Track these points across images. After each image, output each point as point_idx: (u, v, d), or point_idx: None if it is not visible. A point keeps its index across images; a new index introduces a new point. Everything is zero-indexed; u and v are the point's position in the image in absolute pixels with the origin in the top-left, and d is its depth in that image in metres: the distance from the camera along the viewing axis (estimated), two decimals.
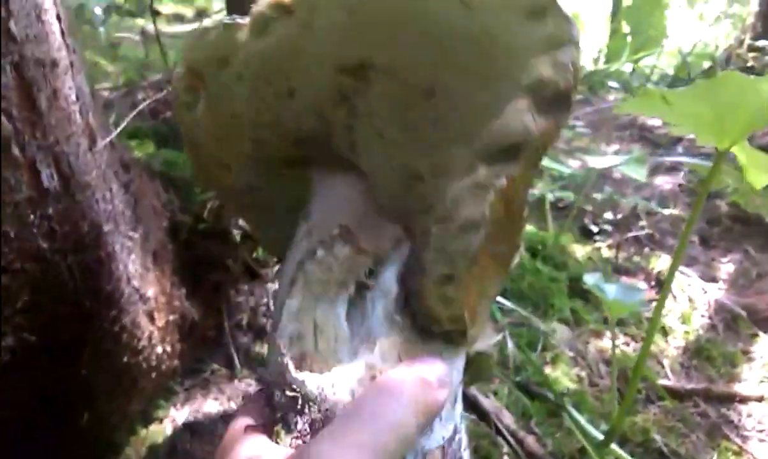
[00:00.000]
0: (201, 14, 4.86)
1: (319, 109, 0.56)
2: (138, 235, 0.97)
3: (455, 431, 0.55)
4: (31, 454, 0.81)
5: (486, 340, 0.63)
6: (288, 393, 0.51)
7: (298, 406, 0.51)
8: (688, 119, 0.85)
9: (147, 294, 0.97)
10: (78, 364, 0.80)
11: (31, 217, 0.68)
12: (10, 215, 0.66)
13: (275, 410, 0.52)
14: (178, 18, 4.73)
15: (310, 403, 0.51)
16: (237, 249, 1.10)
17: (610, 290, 1.01)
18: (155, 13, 2.46)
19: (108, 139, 0.85)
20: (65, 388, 0.80)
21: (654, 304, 1.45)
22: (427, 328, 0.56)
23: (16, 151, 0.66)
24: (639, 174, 1.55)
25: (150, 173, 1.07)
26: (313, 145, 0.60)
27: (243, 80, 0.59)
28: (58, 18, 0.74)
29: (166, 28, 4.21)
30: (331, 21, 0.52)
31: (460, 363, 0.57)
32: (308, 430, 0.50)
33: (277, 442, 0.50)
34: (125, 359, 0.90)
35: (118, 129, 0.88)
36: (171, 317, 1.02)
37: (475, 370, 0.66)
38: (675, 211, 1.95)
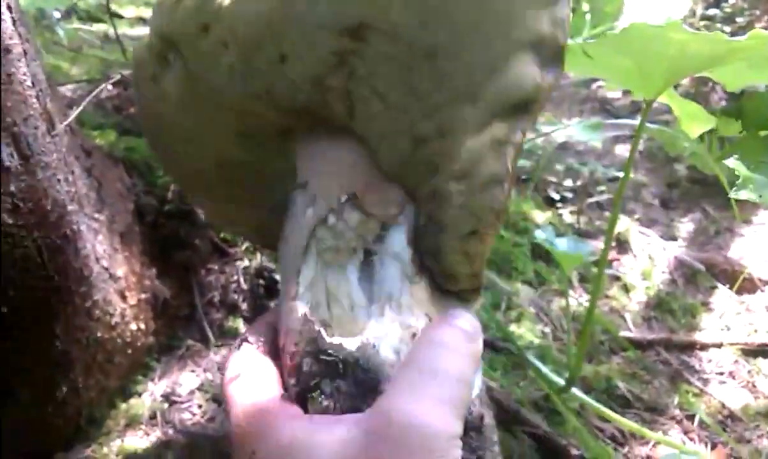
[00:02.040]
0: None
1: (315, 75, 0.56)
2: (104, 217, 0.99)
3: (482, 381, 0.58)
4: (14, 428, 0.83)
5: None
6: (323, 358, 0.52)
7: (339, 370, 0.51)
8: (611, 71, 0.89)
9: (117, 273, 0.99)
10: (52, 338, 0.82)
11: None
12: None
13: (309, 377, 0.52)
14: (141, 21, 4.72)
15: (353, 366, 0.51)
16: (204, 228, 1.12)
17: (561, 243, 1.05)
18: (114, 16, 2.46)
19: (66, 122, 0.88)
20: (42, 360, 0.83)
21: (615, 264, 1.51)
22: (442, 287, 0.57)
23: None
24: (595, 139, 1.60)
25: (113, 159, 1.09)
26: (306, 113, 0.59)
27: (228, 47, 0.58)
28: (9, 8, 0.76)
29: (129, 30, 4.20)
30: None
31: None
32: (355, 391, 0.50)
33: (310, 410, 0.50)
34: (99, 334, 0.93)
35: (75, 111, 0.90)
36: (142, 296, 1.04)
37: None
38: (637, 177, 2.01)
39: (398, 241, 0.57)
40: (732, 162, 0.71)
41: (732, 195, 0.67)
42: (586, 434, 0.99)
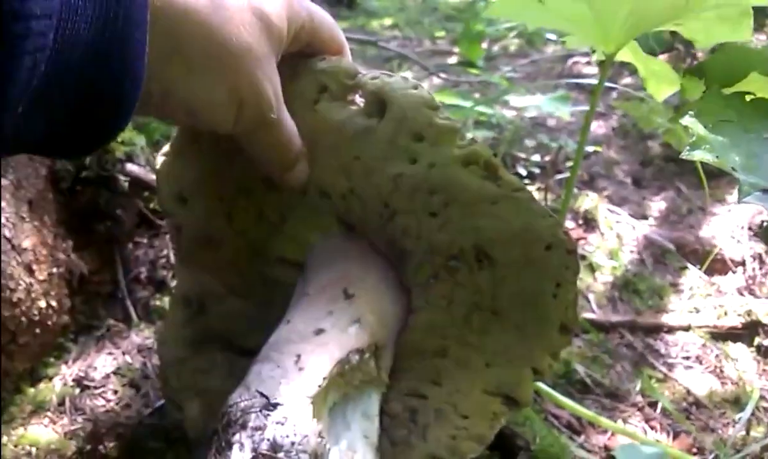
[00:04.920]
0: None
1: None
2: (8, 181, 0.90)
3: None
4: None
5: None
6: None
7: None
8: (567, 21, 0.80)
9: (22, 245, 0.90)
10: None
11: None
12: None
13: None
14: None
15: None
16: (128, 197, 1.03)
17: None
18: None
19: None
20: None
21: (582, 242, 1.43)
22: None
23: None
24: (562, 112, 1.52)
25: None
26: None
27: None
28: None
29: None
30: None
31: None
32: None
33: None
34: None
35: None
36: (55, 270, 0.95)
37: None
38: (609, 154, 1.94)
39: (375, 403, 0.68)
40: (687, 120, 0.62)
41: (684, 155, 0.59)
42: (538, 423, 0.91)
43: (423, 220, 0.70)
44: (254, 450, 0.53)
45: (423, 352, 0.75)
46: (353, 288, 0.69)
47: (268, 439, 0.54)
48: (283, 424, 0.55)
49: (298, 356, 0.61)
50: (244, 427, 0.55)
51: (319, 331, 0.64)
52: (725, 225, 1.57)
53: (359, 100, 0.67)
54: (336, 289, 0.69)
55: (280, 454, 0.53)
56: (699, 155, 0.58)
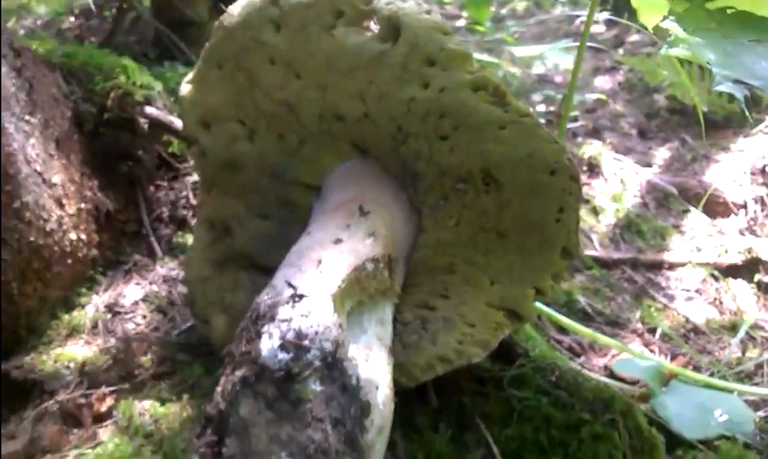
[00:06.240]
0: None
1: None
2: (36, 120, 0.95)
3: None
4: None
5: None
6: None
7: None
8: None
9: (52, 179, 0.95)
10: None
11: None
12: None
13: None
14: None
15: None
16: (147, 140, 1.08)
17: None
18: None
19: None
20: None
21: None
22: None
23: None
24: (565, 61, 1.55)
25: (48, 65, 1.04)
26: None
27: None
28: None
29: None
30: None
31: None
32: None
33: None
34: (32, 239, 0.89)
35: None
36: (83, 206, 1.00)
37: None
38: (615, 107, 1.96)
39: (388, 312, 0.71)
40: (667, 23, 0.66)
41: (663, 52, 0.63)
42: (540, 340, 0.96)
43: (434, 143, 0.74)
44: (282, 338, 0.58)
45: (432, 269, 0.80)
46: (369, 205, 0.74)
47: (294, 329, 0.59)
48: (307, 317, 0.60)
49: (319, 261, 0.66)
50: (272, 319, 0.60)
51: (338, 241, 0.68)
52: (728, 170, 1.61)
53: (374, 26, 0.71)
54: (353, 206, 0.73)
55: (305, 342, 0.59)
56: (676, 52, 0.62)
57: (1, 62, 0.89)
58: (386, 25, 0.70)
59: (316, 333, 0.59)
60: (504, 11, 3.04)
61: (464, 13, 2.92)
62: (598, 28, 2.48)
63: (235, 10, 0.73)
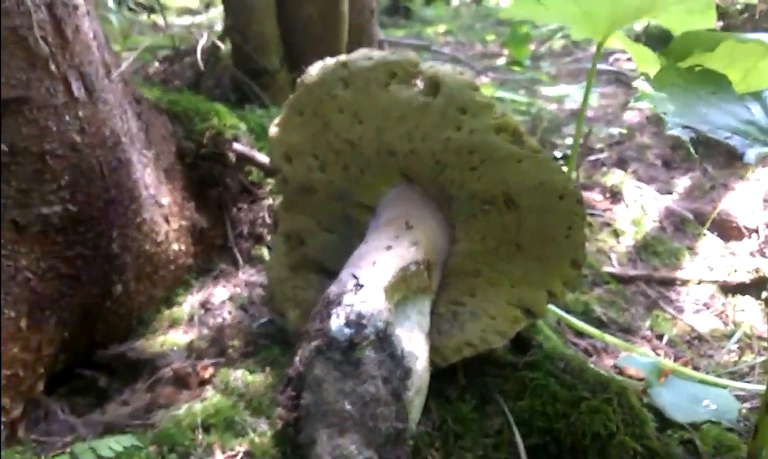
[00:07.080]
0: (208, 6, 5.11)
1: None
2: (151, 154, 1.20)
3: None
4: (81, 315, 1.04)
5: None
6: None
7: None
8: (562, 16, 1.04)
9: (162, 201, 1.19)
10: (109, 238, 1.02)
11: (67, 117, 0.90)
12: (53, 114, 0.89)
13: None
14: (187, 11, 5.03)
15: None
16: (234, 170, 1.32)
17: None
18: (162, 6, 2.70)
19: (119, 70, 1.08)
20: (101, 253, 1.03)
21: (607, 213, 1.64)
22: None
23: (52, 67, 0.89)
24: (591, 98, 1.73)
25: (158, 109, 1.29)
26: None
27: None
28: None
29: (176, 19, 4.49)
30: None
31: None
32: None
33: None
34: (147, 248, 1.13)
35: (129, 61, 1.10)
36: (183, 223, 1.25)
37: None
38: (642, 139, 2.13)
39: (427, 305, 0.91)
40: (639, 83, 0.85)
41: (630, 105, 0.82)
42: (555, 339, 1.14)
43: (465, 173, 0.95)
44: (347, 318, 0.79)
45: (463, 273, 1.00)
46: (413, 221, 0.94)
47: (356, 311, 0.79)
48: (365, 302, 0.81)
49: (374, 262, 0.86)
50: (339, 304, 0.81)
51: (389, 248, 0.89)
52: (743, 197, 1.75)
53: (420, 83, 0.92)
54: (400, 221, 0.94)
55: (364, 321, 0.79)
56: (642, 105, 0.80)
57: (126, 107, 1.14)
58: (429, 82, 0.92)
59: (372, 315, 0.80)
60: (543, 49, 3.23)
61: (505, 51, 3.12)
62: (629, 66, 2.65)
63: (313, 71, 0.96)
